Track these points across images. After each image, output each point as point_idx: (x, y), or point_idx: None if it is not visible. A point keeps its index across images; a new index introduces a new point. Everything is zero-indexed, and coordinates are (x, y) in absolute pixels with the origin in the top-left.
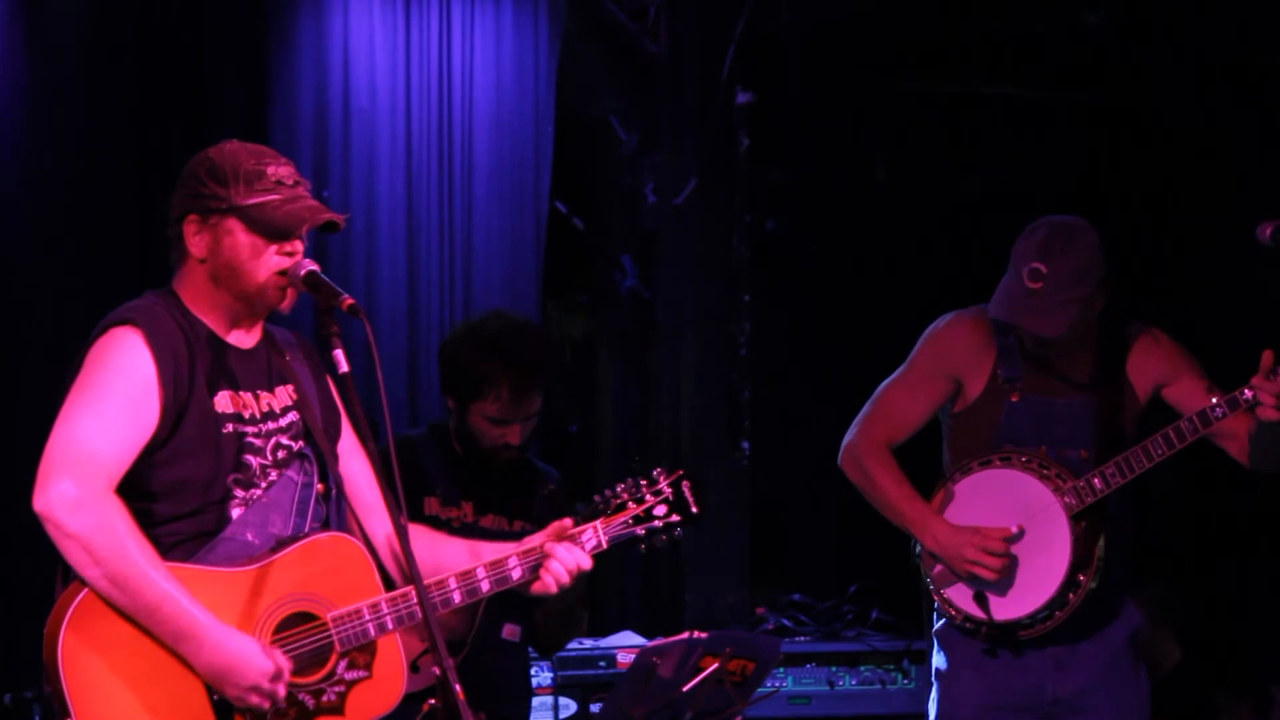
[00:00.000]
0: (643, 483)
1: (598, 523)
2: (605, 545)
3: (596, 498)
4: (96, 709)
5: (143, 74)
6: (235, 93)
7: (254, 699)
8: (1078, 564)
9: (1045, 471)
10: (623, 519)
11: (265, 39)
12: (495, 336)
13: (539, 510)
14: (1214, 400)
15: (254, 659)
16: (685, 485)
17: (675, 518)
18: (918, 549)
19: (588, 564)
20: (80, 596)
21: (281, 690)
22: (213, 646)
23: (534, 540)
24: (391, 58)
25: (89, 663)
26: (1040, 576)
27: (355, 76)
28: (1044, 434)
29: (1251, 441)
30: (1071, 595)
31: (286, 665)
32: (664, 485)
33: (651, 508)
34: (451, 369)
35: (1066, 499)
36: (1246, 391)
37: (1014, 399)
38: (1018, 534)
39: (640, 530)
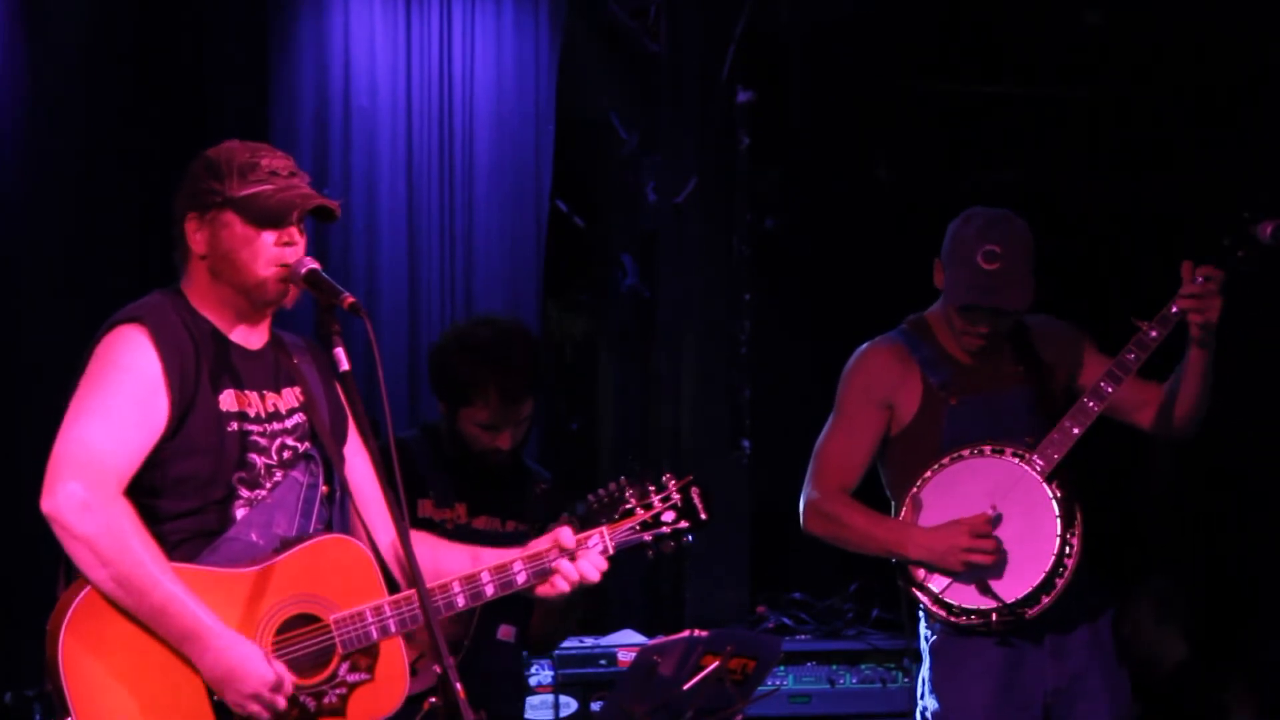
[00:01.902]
0: (651, 488)
1: (604, 528)
2: (612, 551)
3: (590, 497)
4: (96, 708)
5: (143, 74)
6: (235, 93)
7: (253, 707)
8: (1065, 526)
9: (1001, 453)
10: (630, 525)
11: (265, 39)
12: (483, 343)
13: (532, 510)
14: (1144, 325)
15: (257, 667)
16: (694, 491)
17: (684, 524)
18: (900, 567)
19: (605, 565)
20: (81, 595)
21: (282, 702)
22: (217, 650)
23: (539, 544)
24: (392, 57)
25: (89, 662)
26: (1035, 547)
27: (356, 76)
28: (988, 430)
29: (1171, 391)
30: (1067, 559)
31: (289, 678)
32: (673, 491)
33: (660, 514)
34: (441, 374)
35: (1035, 465)
36: (1173, 307)
37: (953, 403)
38: (996, 515)
39: (648, 537)
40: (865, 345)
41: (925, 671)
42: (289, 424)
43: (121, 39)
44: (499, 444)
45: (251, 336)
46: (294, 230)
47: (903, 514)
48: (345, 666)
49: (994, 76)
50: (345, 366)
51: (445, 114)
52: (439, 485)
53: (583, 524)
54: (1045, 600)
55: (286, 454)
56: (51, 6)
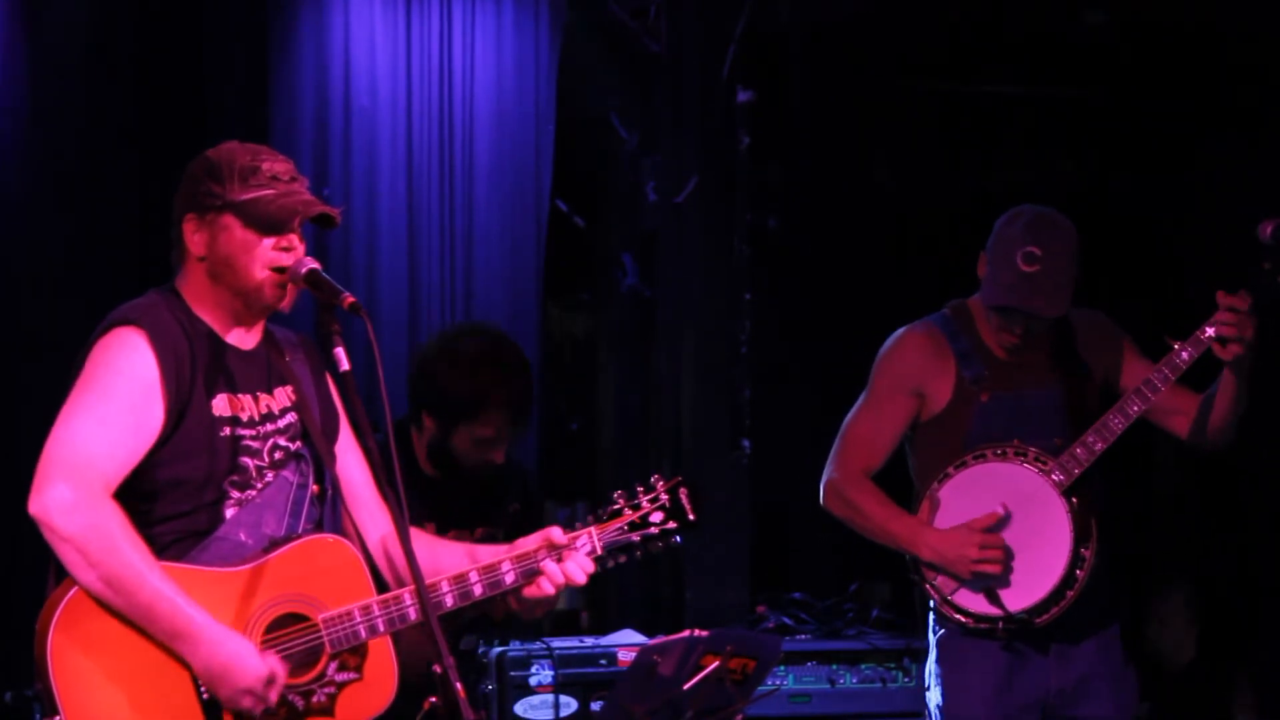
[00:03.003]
0: (639, 489)
1: (593, 529)
2: (600, 551)
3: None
4: (84, 707)
5: (143, 74)
6: (235, 93)
7: (247, 701)
8: (1079, 539)
9: (1024, 458)
10: (618, 525)
11: (265, 39)
12: (479, 358)
13: (501, 525)
14: (1176, 345)
15: (249, 662)
16: (683, 492)
17: (672, 525)
18: (913, 563)
19: (591, 568)
20: (70, 595)
21: (274, 696)
22: (209, 647)
23: (528, 544)
24: (392, 57)
25: (77, 661)
26: (1046, 558)
27: (356, 76)
28: (1018, 428)
29: (1205, 407)
30: (1079, 572)
31: (281, 670)
32: (661, 492)
33: (648, 515)
34: (435, 390)
35: (1054, 476)
36: (1208, 329)
37: (984, 399)
38: (1005, 515)
39: (636, 537)
40: (903, 329)
41: (931, 664)
42: (281, 424)
43: (121, 39)
44: (494, 458)
45: (247, 336)
46: (294, 236)
47: (921, 510)
48: (334, 666)
49: (994, 76)
50: (345, 366)
51: (445, 114)
52: (409, 504)
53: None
54: (1054, 611)
55: (278, 454)
56: (51, 7)
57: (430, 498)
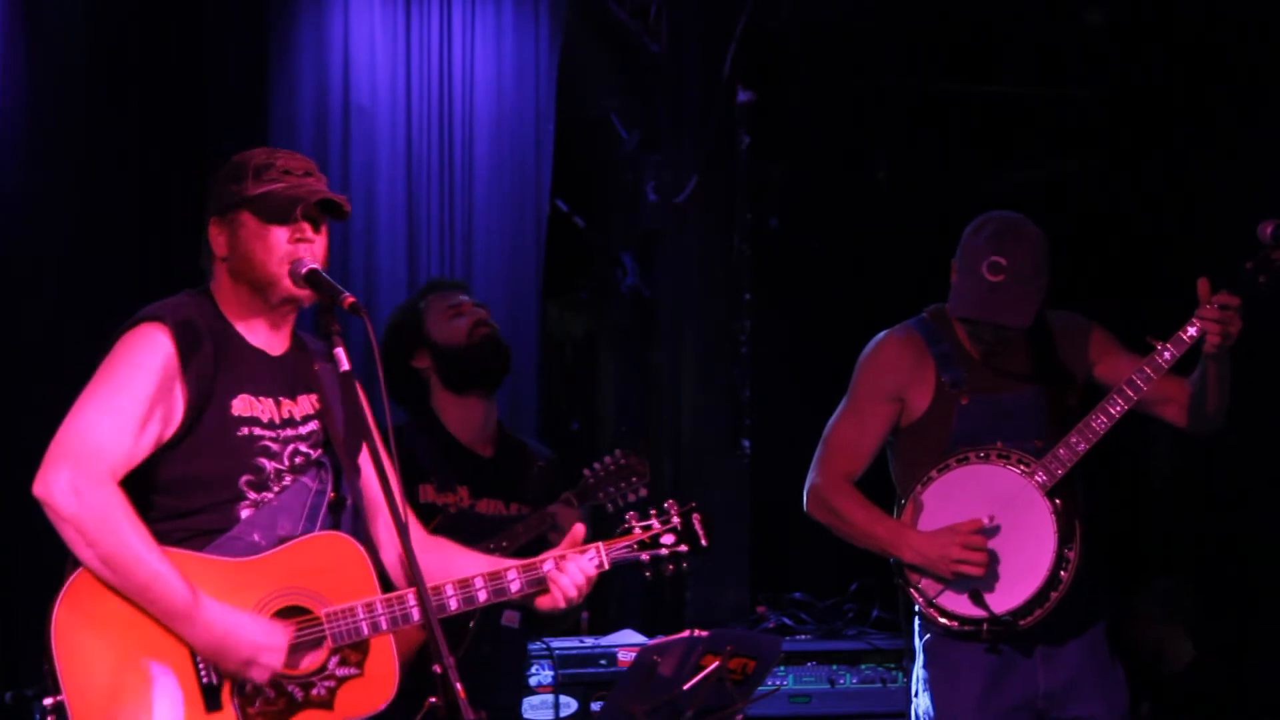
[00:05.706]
0: (652, 510)
1: (601, 544)
2: (607, 566)
3: (586, 472)
4: (85, 686)
5: (143, 74)
6: (235, 93)
7: (253, 673)
8: (1063, 540)
9: (1007, 460)
10: (627, 543)
11: (265, 39)
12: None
13: (533, 491)
14: (1159, 346)
15: (247, 632)
16: (696, 518)
17: (683, 548)
18: (897, 567)
19: (593, 573)
20: (75, 574)
21: (279, 662)
22: (205, 624)
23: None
24: (392, 57)
25: (80, 640)
26: (1030, 559)
27: (355, 76)
28: (998, 430)
29: (1195, 394)
30: (1063, 573)
31: (286, 633)
32: (674, 515)
33: (658, 535)
34: (403, 338)
35: (1038, 477)
36: (1190, 329)
37: (964, 401)
38: (991, 523)
39: (645, 556)
40: (883, 333)
41: (919, 670)
42: (303, 430)
43: (121, 41)
44: (478, 315)
45: (274, 341)
46: (305, 226)
47: (904, 513)
48: (335, 660)
49: (994, 76)
50: (346, 366)
51: (445, 114)
52: (440, 470)
53: (579, 498)
54: (1039, 613)
55: (299, 459)
56: (51, 7)
57: (458, 464)
